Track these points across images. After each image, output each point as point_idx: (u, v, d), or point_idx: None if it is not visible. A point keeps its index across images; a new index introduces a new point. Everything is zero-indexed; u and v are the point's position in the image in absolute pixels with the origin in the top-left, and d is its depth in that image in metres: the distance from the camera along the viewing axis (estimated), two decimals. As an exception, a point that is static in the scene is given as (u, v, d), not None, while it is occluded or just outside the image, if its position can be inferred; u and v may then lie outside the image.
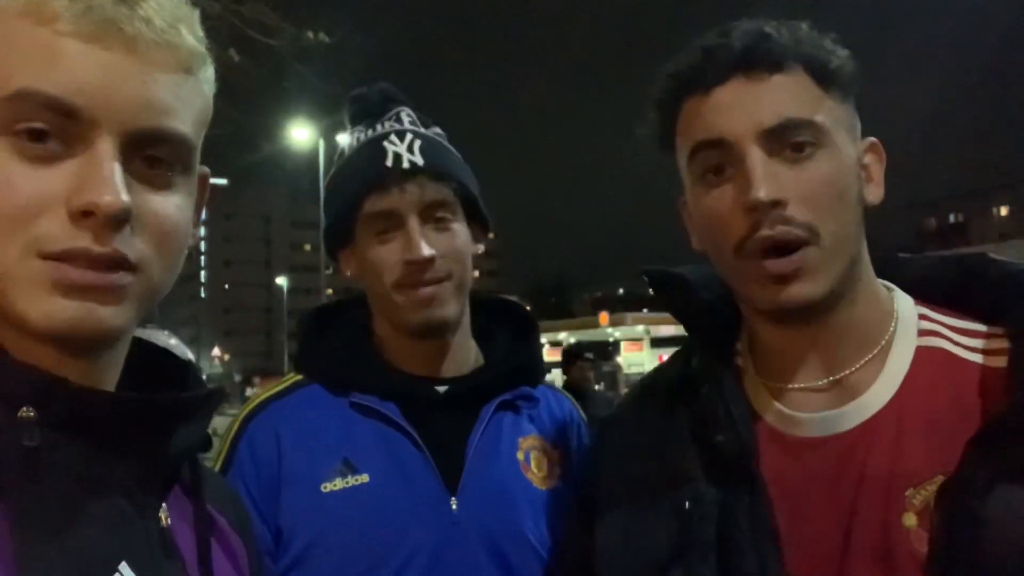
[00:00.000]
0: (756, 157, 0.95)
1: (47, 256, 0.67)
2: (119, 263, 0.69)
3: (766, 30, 0.99)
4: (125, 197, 0.68)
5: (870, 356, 1.02)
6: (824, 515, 0.97)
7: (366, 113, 1.43)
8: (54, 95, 0.67)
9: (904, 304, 1.06)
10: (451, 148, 1.43)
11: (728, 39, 0.99)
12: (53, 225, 0.67)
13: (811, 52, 0.99)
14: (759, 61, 0.97)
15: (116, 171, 0.68)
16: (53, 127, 0.67)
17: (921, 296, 1.08)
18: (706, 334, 1.15)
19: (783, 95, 0.97)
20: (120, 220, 0.68)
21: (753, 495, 1.00)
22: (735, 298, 1.09)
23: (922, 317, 1.04)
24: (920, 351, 1.01)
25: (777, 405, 1.05)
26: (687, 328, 1.18)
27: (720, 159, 0.99)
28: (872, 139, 1.05)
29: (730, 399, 1.06)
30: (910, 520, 0.92)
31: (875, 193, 1.04)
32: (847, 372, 1.02)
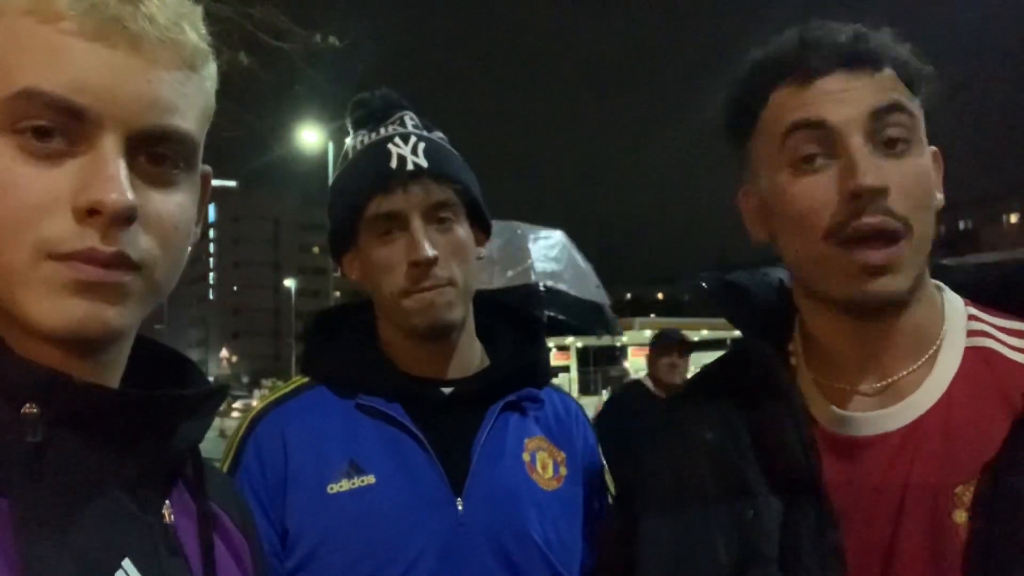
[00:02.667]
0: (859, 144, 0.95)
1: (56, 257, 0.67)
2: (123, 262, 0.69)
3: (862, 30, 0.99)
4: (131, 195, 0.68)
5: (923, 359, 1.02)
6: (873, 514, 0.97)
7: (369, 117, 1.43)
8: (58, 94, 0.66)
9: (954, 304, 1.06)
10: (454, 151, 1.43)
11: (828, 32, 0.99)
12: (60, 225, 0.67)
13: (902, 57, 0.99)
14: (862, 58, 0.97)
15: (121, 169, 0.68)
16: (57, 126, 0.67)
17: (972, 296, 1.07)
18: (762, 338, 1.13)
19: (886, 87, 0.97)
20: (126, 218, 0.68)
21: (819, 509, 0.98)
22: (795, 296, 1.09)
23: (971, 317, 1.04)
24: (969, 351, 1.01)
25: (829, 405, 1.04)
26: (745, 333, 1.16)
27: (815, 144, 0.97)
28: (933, 148, 1.05)
29: (796, 408, 1.04)
30: (960, 517, 0.91)
31: (939, 199, 1.04)
32: (899, 376, 1.02)
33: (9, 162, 0.66)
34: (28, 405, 0.67)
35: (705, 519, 1.05)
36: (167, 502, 0.79)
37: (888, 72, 0.98)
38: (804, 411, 1.05)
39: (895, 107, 0.96)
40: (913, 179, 0.96)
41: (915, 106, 0.99)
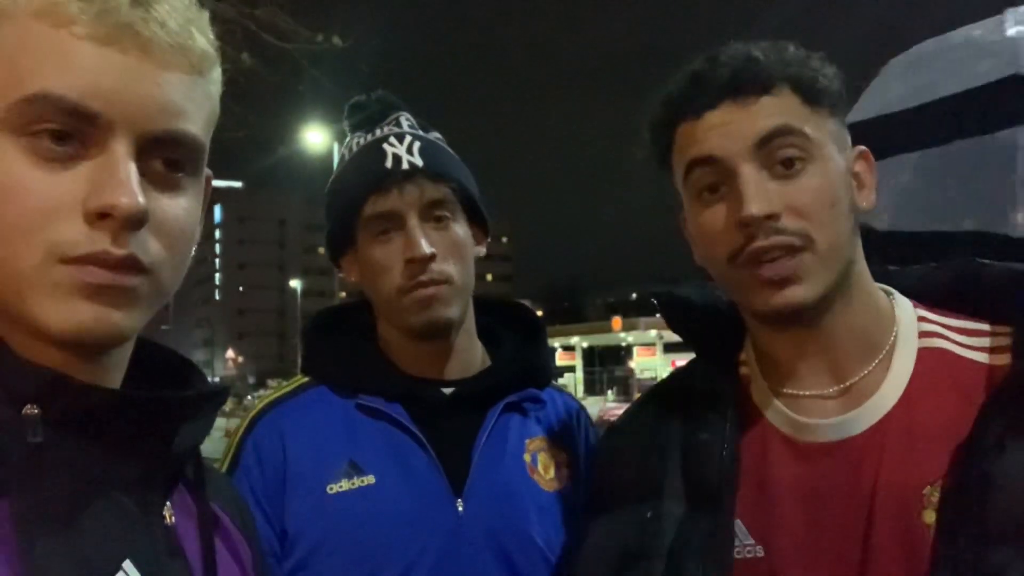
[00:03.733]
0: (747, 174, 0.99)
1: (68, 260, 0.67)
2: (133, 265, 0.69)
3: (753, 54, 1.02)
4: (142, 199, 0.68)
5: (876, 362, 1.04)
6: (843, 519, 0.98)
7: (366, 119, 1.43)
8: (72, 99, 0.67)
9: (903, 307, 1.08)
10: (450, 150, 1.44)
11: (716, 65, 1.03)
12: (71, 228, 0.67)
13: (798, 73, 1.02)
14: (747, 85, 1.01)
15: (132, 173, 0.68)
16: (69, 129, 0.68)
17: (919, 300, 1.10)
18: (709, 350, 1.18)
19: (771, 111, 1.00)
20: (137, 222, 0.68)
21: (715, 520, 1.03)
22: (738, 309, 1.11)
23: (921, 319, 1.07)
24: (922, 352, 1.04)
25: (787, 411, 1.06)
26: (691, 345, 1.21)
27: (713, 177, 1.02)
28: (861, 147, 1.09)
29: (727, 421, 1.08)
30: (930, 517, 0.93)
31: (867, 199, 1.07)
32: (855, 379, 1.04)
33: (18, 165, 0.67)
34: (29, 406, 0.67)
35: (622, 515, 1.11)
36: (168, 503, 0.79)
37: (781, 91, 1.01)
38: (738, 425, 1.08)
39: (780, 131, 0.99)
40: (810, 195, 0.99)
41: (814, 120, 1.01)
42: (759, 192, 0.98)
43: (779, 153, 0.99)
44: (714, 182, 1.02)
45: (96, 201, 0.67)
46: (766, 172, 0.99)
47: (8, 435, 0.66)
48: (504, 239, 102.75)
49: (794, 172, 0.99)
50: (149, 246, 0.70)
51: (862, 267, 1.06)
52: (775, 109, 1.00)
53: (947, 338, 1.04)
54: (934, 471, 0.94)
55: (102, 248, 0.67)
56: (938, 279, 1.12)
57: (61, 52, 0.67)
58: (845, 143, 1.06)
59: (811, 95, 1.01)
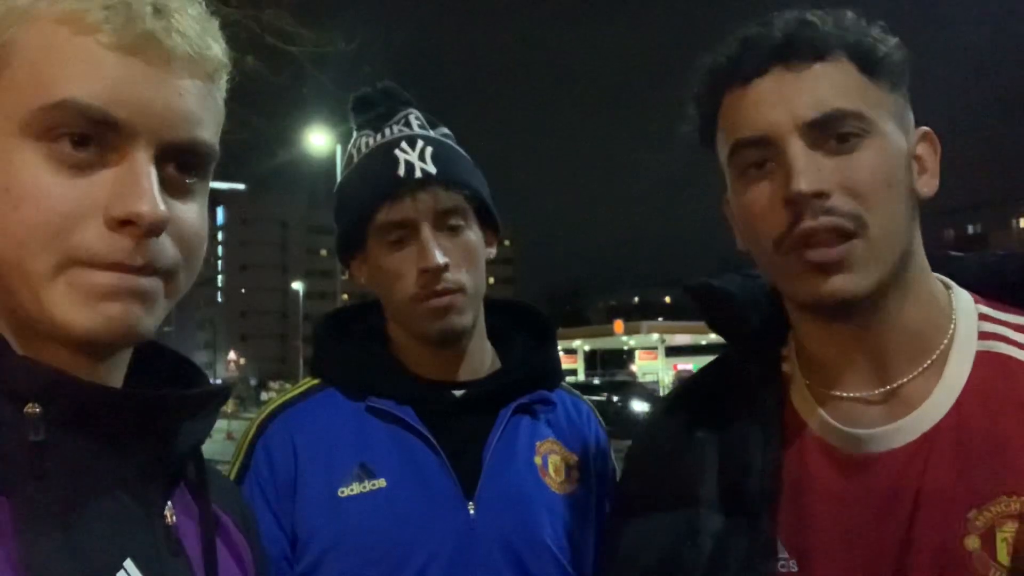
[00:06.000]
0: (797, 149, 0.91)
1: (86, 264, 0.67)
2: (153, 270, 0.70)
3: (808, 18, 0.95)
4: (163, 207, 0.69)
5: (927, 363, 0.95)
6: (878, 535, 0.91)
7: (373, 116, 1.41)
8: (98, 107, 0.67)
9: (963, 303, 0.99)
10: (460, 151, 1.41)
11: (768, 28, 0.95)
12: (91, 233, 0.67)
13: (856, 40, 0.94)
14: (800, 50, 0.93)
15: (155, 182, 0.69)
16: (92, 136, 0.68)
17: (981, 293, 1.01)
18: (749, 348, 1.10)
19: (825, 85, 0.92)
20: (159, 230, 0.69)
21: (754, 537, 0.96)
22: (782, 300, 1.04)
23: (983, 317, 0.98)
24: (981, 356, 0.94)
25: (827, 417, 0.98)
26: (729, 341, 1.14)
27: (761, 155, 0.95)
28: (925, 128, 1.00)
29: (768, 432, 1.01)
30: (973, 543, 0.86)
31: (929, 184, 0.98)
32: (902, 381, 0.95)
33: (39, 170, 0.67)
34: (30, 404, 0.66)
35: (654, 522, 1.05)
36: (169, 503, 0.79)
37: (837, 59, 0.93)
38: (775, 436, 1.01)
39: (833, 116, 0.91)
40: (864, 172, 0.91)
41: (872, 93, 0.93)
42: (809, 167, 0.90)
43: (834, 127, 0.91)
44: (761, 159, 0.95)
45: (120, 209, 0.67)
46: (818, 147, 0.91)
47: (9, 433, 0.66)
48: (506, 242, 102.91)
49: (848, 147, 0.91)
50: (167, 250, 0.71)
51: (920, 258, 0.98)
52: (829, 81, 0.92)
53: (1011, 341, 0.94)
54: (982, 494, 0.86)
55: (124, 254, 0.68)
56: (1004, 270, 1.02)
57: (86, 60, 0.68)
58: (907, 122, 0.97)
59: (869, 65, 0.94)
